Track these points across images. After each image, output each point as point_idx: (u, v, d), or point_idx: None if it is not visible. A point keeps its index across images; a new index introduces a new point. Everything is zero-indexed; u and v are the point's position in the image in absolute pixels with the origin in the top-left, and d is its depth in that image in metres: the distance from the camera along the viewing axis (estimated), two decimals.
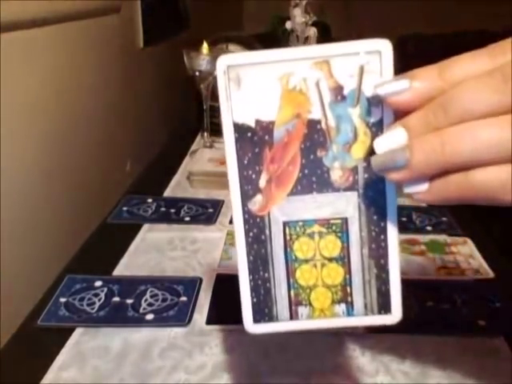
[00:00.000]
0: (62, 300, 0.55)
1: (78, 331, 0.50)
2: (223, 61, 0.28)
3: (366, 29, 2.88)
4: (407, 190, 0.27)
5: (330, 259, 0.30)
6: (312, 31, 1.15)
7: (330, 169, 0.29)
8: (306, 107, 0.28)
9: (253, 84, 0.28)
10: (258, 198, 0.29)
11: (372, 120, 0.28)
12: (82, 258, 0.65)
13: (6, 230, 0.67)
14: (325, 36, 1.21)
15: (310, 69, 0.28)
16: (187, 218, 0.74)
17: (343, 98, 0.28)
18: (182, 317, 0.52)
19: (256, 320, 0.31)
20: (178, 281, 0.58)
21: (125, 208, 0.77)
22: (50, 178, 0.80)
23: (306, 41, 1.15)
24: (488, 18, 2.57)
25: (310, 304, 0.31)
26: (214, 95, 1.05)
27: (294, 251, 0.30)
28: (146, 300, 0.54)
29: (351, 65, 0.27)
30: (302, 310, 0.31)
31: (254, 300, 0.31)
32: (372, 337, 0.50)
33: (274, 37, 1.32)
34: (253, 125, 0.29)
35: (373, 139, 0.27)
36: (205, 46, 0.95)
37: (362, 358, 0.47)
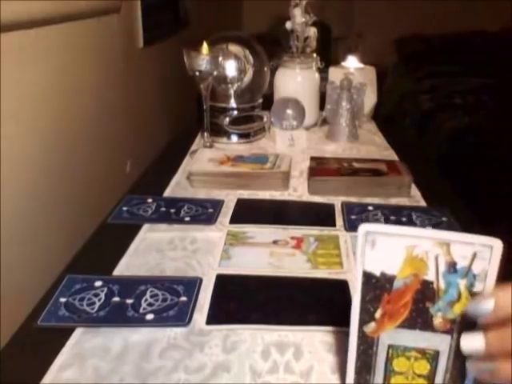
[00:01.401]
0: (62, 300, 0.55)
1: (78, 331, 0.50)
2: (365, 227, 0.37)
3: (366, 29, 2.88)
4: None
5: (420, 375, 0.39)
6: (312, 31, 1.15)
7: (433, 316, 0.37)
8: (423, 270, 0.37)
9: (384, 247, 0.37)
10: (372, 324, 0.38)
11: (474, 290, 0.36)
12: (81, 258, 0.65)
13: (7, 230, 0.67)
14: (325, 36, 1.21)
15: (432, 245, 0.36)
16: (187, 218, 0.74)
17: (455, 270, 0.36)
18: (182, 317, 0.52)
19: None
20: (178, 281, 0.58)
21: (125, 208, 0.77)
22: (51, 178, 0.80)
23: (305, 41, 1.15)
24: (488, 17, 2.57)
25: None
26: (214, 95, 1.05)
27: (392, 365, 0.39)
28: (145, 300, 0.54)
29: (466, 249, 0.36)
30: None
31: None
32: None
33: (274, 37, 1.32)
34: (378, 275, 0.37)
35: None
36: (205, 46, 0.95)
37: None
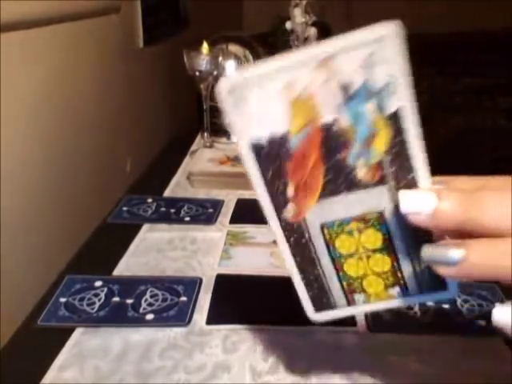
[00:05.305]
0: (62, 300, 0.55)
1: (78, 331, 0.50)
2: (224, 83, 0.27)
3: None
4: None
5: (374, 250, 0.30)
6: (312, 31, 1.15)
7: (355, 167, 0.28)
8: (316, 112, 0.27)
9: (258, 100, 0.27)
10: (290, 206, 0.30)
11: (388, 111, 0.26)
12: (81, 258, 0.65)
13: (6, 230, 0.67)
14: (325, 36, 1.21)
15: (313, 72, 0.26)
16: (187, 218, 0.74)
17: (353, 95, 0.26)
18: (182, 317, 0.52)
19: (317, 309, 0.34)
20: (178, 281, 0.58)
21: (125, 208, 0.77)
22: (50, 177, 0.80)
23: (305, 41, 1.15)
24: (487, 17, 2.56)
25: (364, 291, 0.32)
26: (214, 95, 1.05)
27: (336, 249, 0.31)
28: (146, 300, 0.54)
29: (356, 59, 0.25)
30: (358, 297, 0.33)
31: (310, 293, 0.34)
32: (372, 336, 0.50)
33: (274, 37, 1.32)
34: (267, 141, 0.28)
35: (394, 129, 0.27)
36: (205, 46, 0.95)
37: (361, 358, 0.47)
